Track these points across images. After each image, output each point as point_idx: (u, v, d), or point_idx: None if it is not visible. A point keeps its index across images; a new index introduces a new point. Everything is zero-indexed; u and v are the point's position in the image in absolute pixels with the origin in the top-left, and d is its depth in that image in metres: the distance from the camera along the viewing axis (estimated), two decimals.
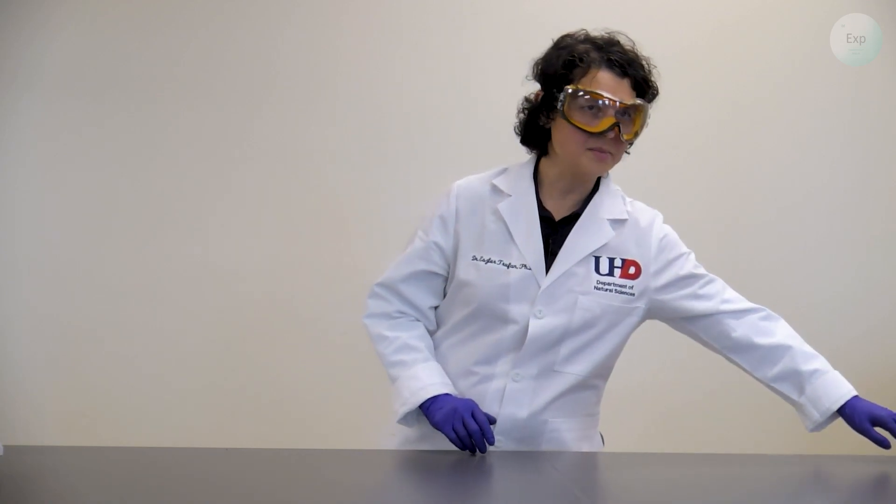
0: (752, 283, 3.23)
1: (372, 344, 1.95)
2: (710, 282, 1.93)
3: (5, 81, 3.13)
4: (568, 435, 1.90)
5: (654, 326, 3.17)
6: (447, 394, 1.83)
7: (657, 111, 3.26)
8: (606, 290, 1.88)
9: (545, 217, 1.90)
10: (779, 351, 1.90)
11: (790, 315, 3.22)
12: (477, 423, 1.76)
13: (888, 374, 3.21)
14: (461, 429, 1.76)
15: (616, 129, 1.81)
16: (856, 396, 1.86)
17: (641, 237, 1.92)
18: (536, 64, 1.92)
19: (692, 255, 1.95)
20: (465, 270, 1.88)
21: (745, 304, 1.94)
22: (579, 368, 1.88)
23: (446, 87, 3.19)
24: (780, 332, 1.92)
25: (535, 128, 1.93)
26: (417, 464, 1.67)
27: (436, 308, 1.96)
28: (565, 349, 1.86)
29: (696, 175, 3.20)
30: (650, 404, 3.16)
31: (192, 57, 3.17)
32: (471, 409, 1.78)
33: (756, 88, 3.22)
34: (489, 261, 1.87)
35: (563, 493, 1.55)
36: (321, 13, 3.19)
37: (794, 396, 1.88)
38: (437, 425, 1.80)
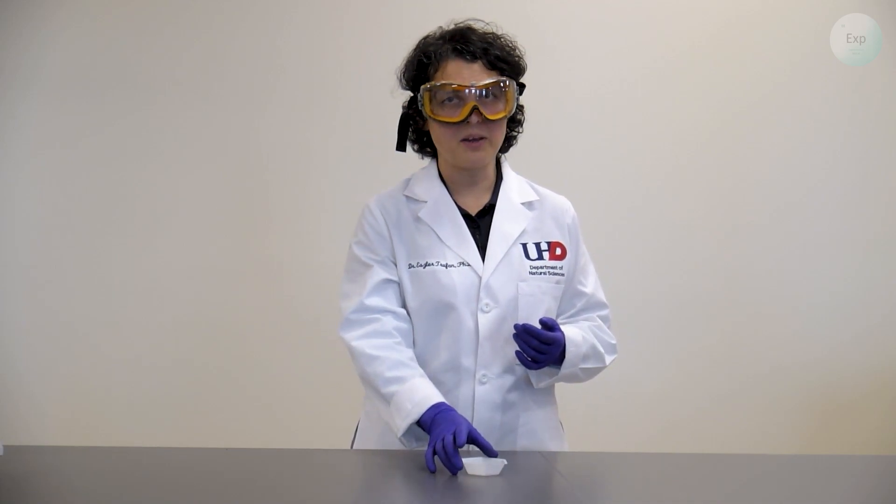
0: (752, 284, 3.25)
1: (356, 361, 1.87)
2: (589, 274, 1.99)
3: (5, 81, 3.13)
4: (538, 425, 1.90)
5: (656, 330, 3.18)
6: (448, 406, 1.74)
7: (658, 111, 3.24)
8: (541, 273, 1.90)
9: (463, 214, 1.92)
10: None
11: (790, 315, 3.25)
12: (456, 446, 1.61)
13: (888, 374, 3.21)
14: (440, 444, 1.62)
15: (478, 111, 1.82)
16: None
17: (559, 219, 1.96)
18: (401, 73, 1.94)
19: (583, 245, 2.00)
20: (407, 279, 1.89)
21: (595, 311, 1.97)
22: None
23: None
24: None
25: (417, 132, 1.96)
26: (417, 463, 1.66)
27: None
28: None
29: (696, 175, 3.20)
30: (651, 406, 3.16)
31: (194, 58, 3.17)
32: (467, 430, 1.66)
33: (756, 88, 3.22)
34: (427, 264, 1.87)
35: (564, 494, 1.55)
36: (321, 13, 3.19)
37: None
38: (432, 430, 1.70)
